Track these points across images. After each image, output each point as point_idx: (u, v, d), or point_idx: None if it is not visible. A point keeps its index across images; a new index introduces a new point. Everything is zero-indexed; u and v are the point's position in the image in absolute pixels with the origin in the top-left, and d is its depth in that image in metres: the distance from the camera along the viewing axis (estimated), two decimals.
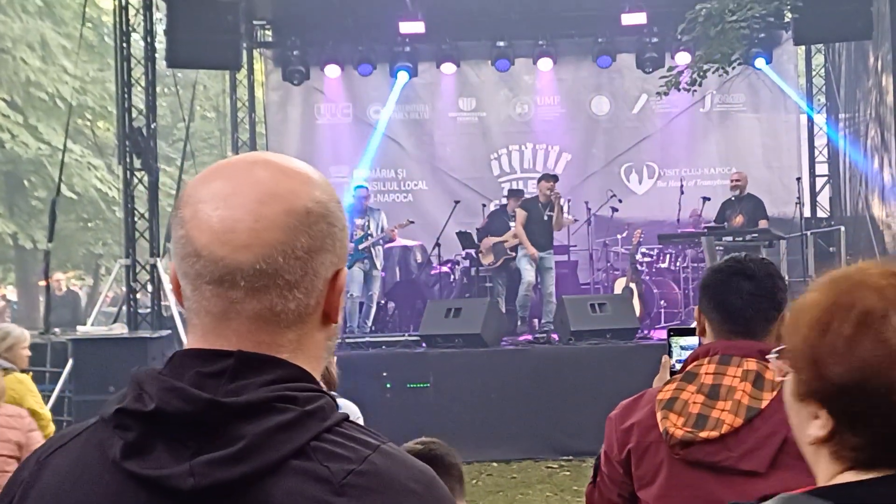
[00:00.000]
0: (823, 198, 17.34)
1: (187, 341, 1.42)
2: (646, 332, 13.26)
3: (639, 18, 15.88)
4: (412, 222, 15.87)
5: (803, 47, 17.40)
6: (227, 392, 1.25)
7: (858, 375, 1.37)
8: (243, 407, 1.25)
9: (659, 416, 2.88)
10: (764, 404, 2.72)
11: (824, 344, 1.40)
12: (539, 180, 14.57)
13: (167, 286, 14.73)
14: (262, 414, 1.25)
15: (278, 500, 1.23)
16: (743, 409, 2.76)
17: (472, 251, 15.16)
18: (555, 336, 13.25)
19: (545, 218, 13.95)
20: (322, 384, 1.40)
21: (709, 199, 15.12)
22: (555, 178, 14.58)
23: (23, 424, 4.24)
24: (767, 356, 1.89)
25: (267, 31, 18.03)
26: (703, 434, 2.76)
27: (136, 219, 14.81)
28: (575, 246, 15.76)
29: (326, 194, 1.37)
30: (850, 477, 1.41)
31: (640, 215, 16.25)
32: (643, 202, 17.21)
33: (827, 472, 1.45)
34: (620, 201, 15.93)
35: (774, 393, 2.67)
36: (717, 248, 12.74)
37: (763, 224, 13.50)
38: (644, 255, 15.20)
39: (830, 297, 1.43)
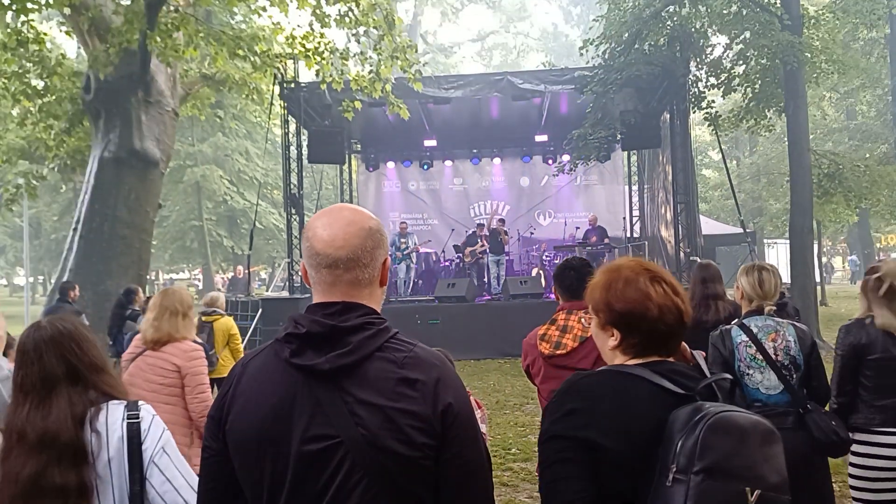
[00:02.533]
0: (637, 227, 17.80)
1: (313, 299, 1.53)
2: (547, 295, 13.20)
3: (544, 137, 17.32)
4: (429, 241, 17.53)
5: (626, 152, 17.62)
6: (339, 321, 1.44)
7: (629, 307, 1.60)
8: (349, 328, 1.43)
9: (537, 341, 3.19)
10: (589, 334, 2.91)
11: (610, 295, 1.62)
12: (497, 220, 15.79)
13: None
14: (358, 331, 1.44)
15: (370, 374, 1.41)
16: (577, 337, 3.04)
17: (460, 254, 16.19)
18: (501, 297, 14.06)
19: (499, 239, 15.05)
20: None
21: (578, 228, 16.60)
22: (503, 220, 15.91)
23: (187, 356, 3.65)
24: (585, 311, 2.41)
25: (357, 144, 19.10)
26: (559, 351, 3.07)
27: (292, 238, 15.68)
28: (510, 252, 16.28)
29: (377, 221, 1.53)
30: (635, 361, 1.60)
31: (544, 237, 17.56)
32: (546, 230, 18.24)
33: (621, 362, 1.61)
34: (534, 230, 17.69)
35: None
36: (583, 252, 14.16)
37: (606, 241, 14.95)
38: (546, 256, 16.12)
39: (610, 273, 1.65)
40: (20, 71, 12.53)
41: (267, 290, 21.67)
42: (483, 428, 1.80)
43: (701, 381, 1.57)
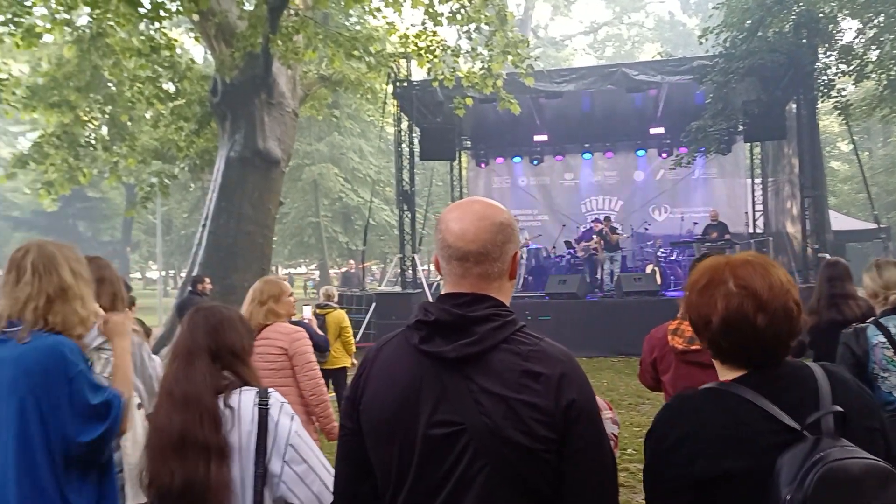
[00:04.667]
0: (760, 222, 17.29)
1: (443, 289, 1.58)
2: (663, 293, 13.36)
3: (659, 130, 16.96)
4: (539, 235, 17.54)
5: (748, 144, 17.12)
6: (467, 311, 1.46)
7: (723, 314, 1.45)
8: (476, 318, 1.45)
9: (669, 338, 3.12)
10: None
11: (698, 300, 1.51)
12: (604, 218, 15.73)
13: (419, 267, 16.34)
14: (485, 321, 1.45)
15: (496, 365, 1.42)
16: None
17: (572, 250, 16.15)
18: (613, 294, 13.90)
19: (609, 238, 14.90)
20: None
21: (696, 224, 16.08)
22: (609, 218, 15.75)
23: (291, 338, 3.77)
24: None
25: (467, 141, 19.06)
26: (693, 346, 2.97)
27: (404, 235, 16.00)
28: (624, 248, 16.07)
29: (508, 216, 1.55)
30: (737, 374, 1.47)
31: (659, 233, 17.14)
32: (661, 226, 17.90)
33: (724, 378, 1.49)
34: (649, 226, 17.34)
35: None
36: (702, 248, 13.74)
37: (727, 237, 14.31)
38: (662, 253, 15.93)
39: (701, 274, 1.52)
40: (153, 76, 13.37)
41: (379, 286, 22.03)
42: (614, 430, 1.77)
43: (809, 398, 1.43)
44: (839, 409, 1.41)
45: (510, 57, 11.97)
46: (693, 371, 2.96)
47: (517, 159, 18.98)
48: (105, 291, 2.66)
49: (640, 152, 18.38)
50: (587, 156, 18.80)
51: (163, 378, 2.16)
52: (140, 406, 2.87)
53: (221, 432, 2.00)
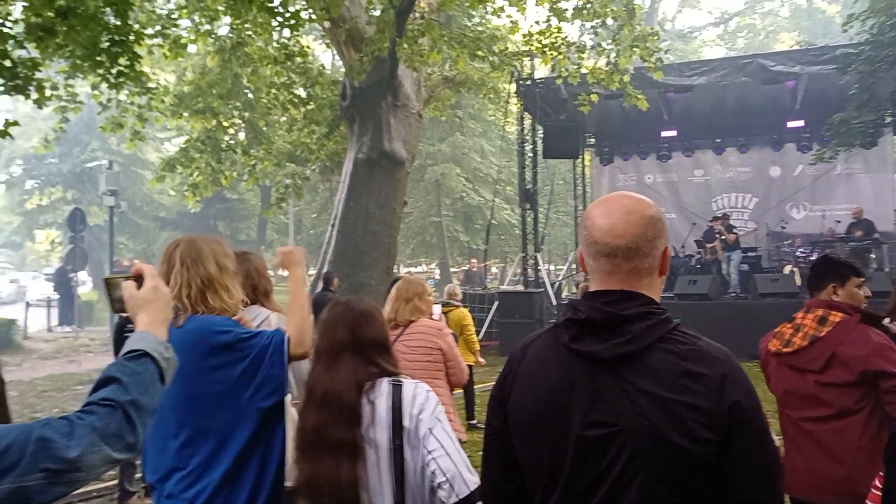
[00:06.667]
0: None
1: (590, 286, 1.54)
2: (803, 295, 11.67)
3: (798, 123, 16.36)
4: None
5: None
6: (619, 309, 1.43)
7: None
8: (629, 316, 1.42)
9: (771, 339, 3.12)
10: (823, 333, 2.83)
11: None
12: (722, 215, 15.05)
13: (541, 266, 16.16)
14: (639, 320, 1.42)
15: (652, 364, 1.39)
16: (808, 336, 2.88)
17: (701, 250, 15.44)
18: (746, 296, 13.45)
19: (724, 237, 14.33)
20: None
21: (839, 222, 15.38)
22: (727, 216, 15.11)
23: (441, 333, 3.92)
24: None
25: (591, 139, 18.99)
26: (786, 349, 2.95)
27: (526, 234, 16.03)
28: (758, 247, 15.75)
29: (657, 210, 1.51)
30: None
31: (797, 231, 16.39)
32: (800, 224, 17.10)
33: None
34: (786, 224, 16.45)
35: (830, 328, 2.82)
36: (845, 248, 13.22)
37: (875, 236, 13.86)
38: (801, 252, 15.15)
39: None
40: (288, 82, 14.00)
41: (500, 285, 22.09)
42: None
43: None
44: None
45: (638, 51, 11.68)
46: (789, 374, 2.91)
47: (644, 156, 18.61)
48: (244, 284, 2.81)
49: (777, 147, 17.61)
50: (719, 151, 18.18)
51: (308, 376, 2.26)
52: (288, 392, 3.04)
53: (358, 429, 2.06)
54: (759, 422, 1.42)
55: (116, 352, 5.35)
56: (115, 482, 5.85)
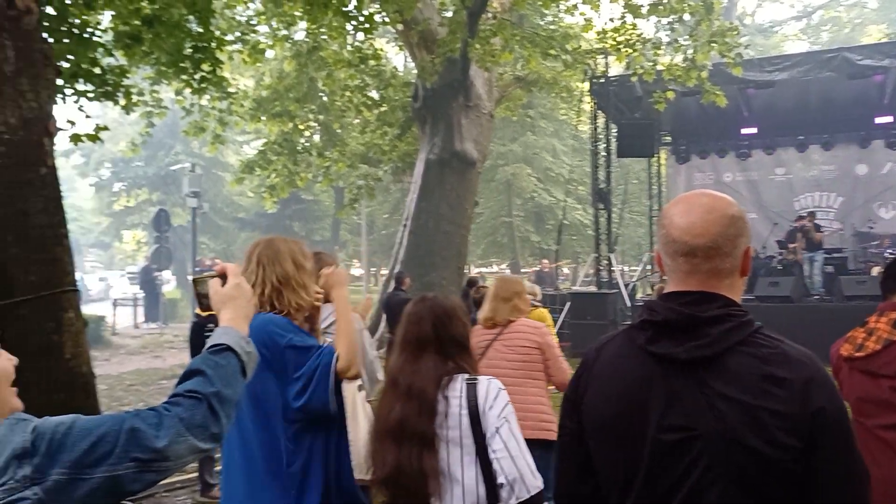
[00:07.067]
0: None
1: (667, 287, 1.51)
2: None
3: (887, 119, 15.76)
4: None
5: None
6: (697, 310, 1.40)
7: None
8: (708, 318, 1.39)
9: (843, 344, 2.99)
10: None
11: None
12: (807, 213, 14.72)
13: (615, 267, 15.94)
14: (718, 322, 1.39)
15: (732, 368, 1.36)
16: (881, 340, 2.79)
17: (783, 251, 15.07)
18: (831, 298, 13.04)
19: (810, 236, 14.01)
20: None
21: None
22: (812, 213, 14.73)
23: (540, 332, 3.89)
24: None
25: (666, 137, 18.54)
26: (858, 353, 2.85)
27: (599, 234, 15.68)
28: (843, 248, 15.34)
29: (739, 209, 1.47)
30: None
31: (887, 231, 15.85)
32: (889, 224, 16.46)
33: None
34: (874, 224, 15.94)
35: None
36: None
37: None
38: (889, 253, 14.47)
39: None
40: (361, 85, 14.23)
41: (572, 286, 21.87)
42: None
43: None
44: None
45: (716, 46, 11.39)
46: (862, 380, 2.80)
47: (722, 154, 18.08)
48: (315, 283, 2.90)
49: (865, 144, 16.89)
50: (802, 149, 17.53)
51: (389, 368, 2.33)
52: (361, 388, 3.11)
53: (435, 423, 2.12)
54: (845, 427, 1.37)
55: (193, 352, 5.70)
56: (197, 475, 6.08)
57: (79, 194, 42.85)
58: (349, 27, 10.86)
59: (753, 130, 16.73)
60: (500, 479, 2.04)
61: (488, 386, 2.17)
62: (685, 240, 1.44)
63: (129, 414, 1.29)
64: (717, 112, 14.14)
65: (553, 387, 4.00)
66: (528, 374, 3.86)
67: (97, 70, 6.18)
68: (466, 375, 2.22)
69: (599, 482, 1.53)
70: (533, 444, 2.37)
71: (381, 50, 14.49)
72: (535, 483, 2.05)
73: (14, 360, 1.34)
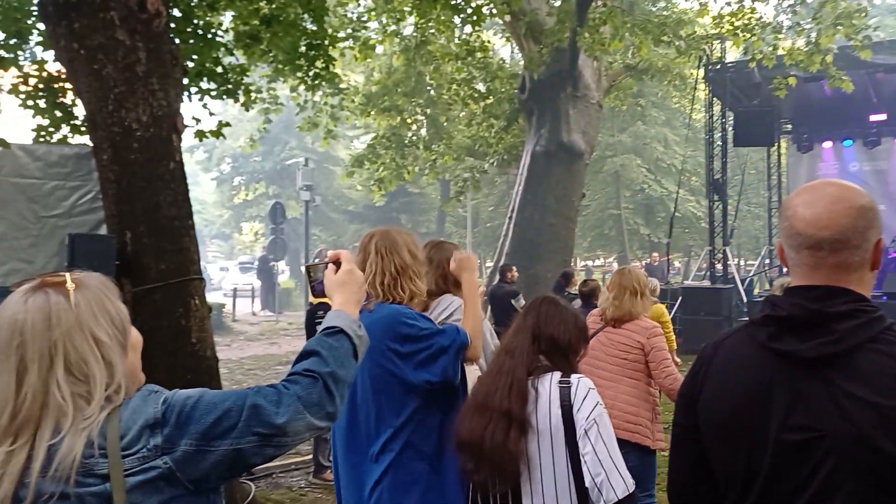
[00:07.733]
0: None
1: (791, 282, 1.45)
2: None
3: None
4: None
5: None
6: (824, 306, 1.34)
7: None
8: (835, 314, 1.33)
9: None
10: None
11: None
12: None
13: (730, 261, 15.37)
14: (847, 318, 1.32)
15: (862, 367, 1.28)
16: None
17: None
18: None
19: None
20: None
21: None
22: None
23: (648, 332, 3.78)
24: None
25: (787, 125, 17.95)
26: None
27: (714, 226, 14.86)
28: None
29: (870, 199, 1.40)
30: None
31: None
32: None
33: None
34: None
35: None
36: None
37: None
38: None
39: None
40: (468, 78, 14.31)
41: (683, 279, 21.21)
42: None
43: None
44: None
45: (842, 29, 10.75)
46: None
47: (848, 142, 17.08)
48: (436, 273, 2.96)
49: None
50: None
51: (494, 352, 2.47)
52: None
53: (526, 407, 2.15)
54: None
55: (309, 338, 5.87)
56: (311, 457, 6.30)
57: (202, 188, 44.90)
58: (457, 20, 10.94)
59: (883, 117, 15.83)
60: (588, 481, 2.06)
61: (578, 385, 2.19)
62: (810, 232, 1.39)
63: (251, 390, 1.35)
64: (843, 98, 13.42)
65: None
66: (624, 373, 3.82)
67: (219, 69, 6.43)
68: (559, 373, 2.24)
69: (716, 481, 1.49)
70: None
71: (489, 42, 14.52)
72: (623, 486, 2.04)
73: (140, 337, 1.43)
